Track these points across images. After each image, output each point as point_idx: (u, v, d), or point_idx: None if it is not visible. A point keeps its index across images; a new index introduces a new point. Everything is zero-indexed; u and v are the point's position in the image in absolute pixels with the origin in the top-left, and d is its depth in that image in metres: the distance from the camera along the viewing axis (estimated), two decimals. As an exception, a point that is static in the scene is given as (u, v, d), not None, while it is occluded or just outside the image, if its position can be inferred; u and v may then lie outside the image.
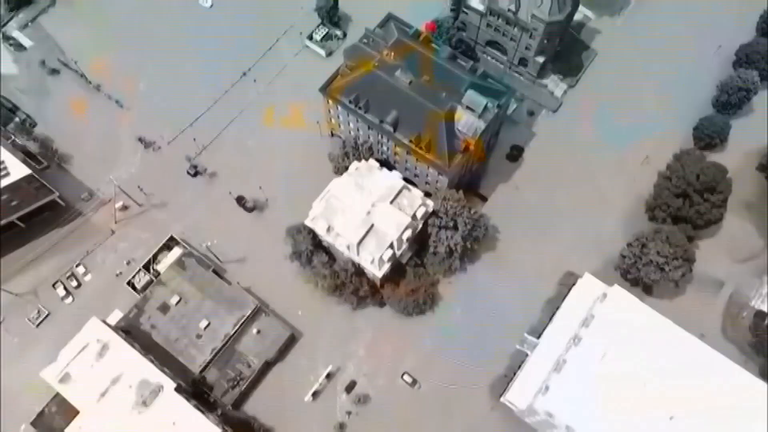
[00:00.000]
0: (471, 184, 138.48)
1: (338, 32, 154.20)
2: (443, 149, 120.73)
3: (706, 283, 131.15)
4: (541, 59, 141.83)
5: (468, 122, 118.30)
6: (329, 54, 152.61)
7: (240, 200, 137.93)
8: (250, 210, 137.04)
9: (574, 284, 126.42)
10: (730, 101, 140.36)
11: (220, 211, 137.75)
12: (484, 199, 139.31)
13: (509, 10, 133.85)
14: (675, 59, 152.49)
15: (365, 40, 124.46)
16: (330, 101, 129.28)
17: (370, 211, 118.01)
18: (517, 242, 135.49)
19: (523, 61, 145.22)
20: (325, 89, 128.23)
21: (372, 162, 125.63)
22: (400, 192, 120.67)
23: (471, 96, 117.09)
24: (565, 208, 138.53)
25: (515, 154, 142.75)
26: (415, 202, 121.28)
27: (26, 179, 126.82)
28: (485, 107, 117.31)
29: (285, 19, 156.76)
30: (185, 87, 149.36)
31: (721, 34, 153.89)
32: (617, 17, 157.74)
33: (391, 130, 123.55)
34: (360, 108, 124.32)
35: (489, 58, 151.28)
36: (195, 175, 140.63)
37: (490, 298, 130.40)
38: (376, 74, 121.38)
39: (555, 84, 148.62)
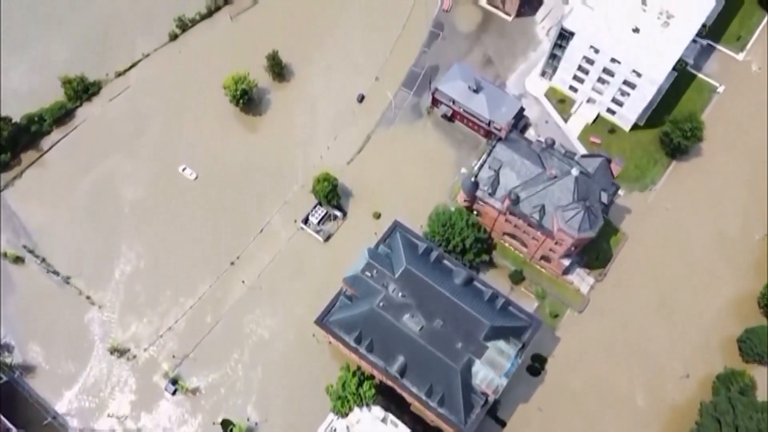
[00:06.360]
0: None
1: (338, 213, 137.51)
2: (458, 405, 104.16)
3: None
4: (567, 262, 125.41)
5: (487, 378, 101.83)
6: (327, 239, 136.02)
7: (225, 426, 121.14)
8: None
9: None
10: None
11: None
12: (503, 424, 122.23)
13: (532, 216, 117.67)
14: (715, 243, 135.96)
15: (368, 273, 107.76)
16: (328, 335, 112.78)
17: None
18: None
19: (546, 258, 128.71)
20: (322, 320, 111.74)
21: (376, 411, 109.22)
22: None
23: (492, 356, 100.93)
24: (594, 430, 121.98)
25: (537, 366, 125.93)
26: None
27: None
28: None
29: (278, 196, 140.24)
30: (165, 278, 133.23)
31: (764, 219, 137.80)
32: (649, 193, 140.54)
33: (398, 376, 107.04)
34: (362, 348, 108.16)
35: (507, 245, 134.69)
36: (174, 392, 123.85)
37: None
38: (381, 315, 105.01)
39: (581, 279, 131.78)
